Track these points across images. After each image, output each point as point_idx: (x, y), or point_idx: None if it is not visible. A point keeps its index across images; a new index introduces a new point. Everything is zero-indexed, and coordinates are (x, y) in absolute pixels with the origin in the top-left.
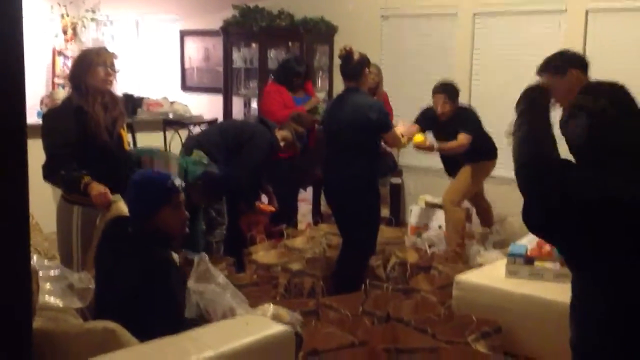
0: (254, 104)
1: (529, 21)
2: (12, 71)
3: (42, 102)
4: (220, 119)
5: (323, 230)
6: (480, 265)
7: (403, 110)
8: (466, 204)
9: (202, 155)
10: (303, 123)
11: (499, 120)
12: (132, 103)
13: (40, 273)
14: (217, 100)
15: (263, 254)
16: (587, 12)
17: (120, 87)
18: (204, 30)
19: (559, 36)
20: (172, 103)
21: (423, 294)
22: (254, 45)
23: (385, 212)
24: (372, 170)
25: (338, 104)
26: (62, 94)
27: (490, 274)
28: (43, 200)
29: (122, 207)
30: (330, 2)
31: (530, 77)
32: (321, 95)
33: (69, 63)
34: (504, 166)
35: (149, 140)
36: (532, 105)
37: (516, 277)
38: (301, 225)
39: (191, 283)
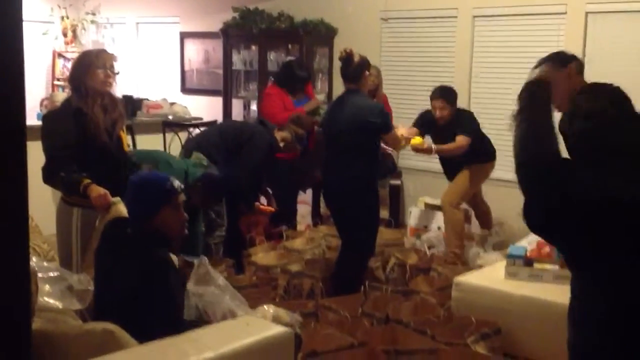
0: (254, 106)
1: (529, 23)
2: (12, 73)
3: (42, 104)
4: (220, 121)
5: (322, 231)
6: (480, 266)
7: (403, 112)
8: (465, 206)
9: (202, 157)
10: (303, 125)
11: (498, 122)
12: (132, 105)
13: (40, 274)
14: (217, 102)
15: (262, 255)
16: (586, 14)
17: (120, 88)
18: (204, 32)
19: (559, 38)
20: (171, 105)
21: (422, 295)
22: (253, 47)
23: (384, 213)
24: (372, 171)
25: (338, 105)
26: (62, 95)
27: (489, 275)
28: (43, 202)
29: (121, 209)
30: (330, 4)
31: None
32: (321, 97)
33: (69, 65)
34: (503, 168)
35: (148, 142)
36: (533, 100)
37: (515, 278)
38: (300, 227)
39: (191, 285)
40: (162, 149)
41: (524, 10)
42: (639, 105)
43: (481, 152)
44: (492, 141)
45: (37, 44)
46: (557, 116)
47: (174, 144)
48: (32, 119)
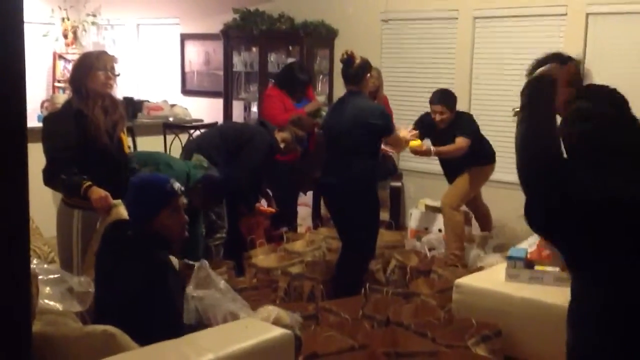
0: (254, 108)
1: (529, 25)
2: (12, 74)
3: (42, 106)
4: (221, 122)
5: (323, 234)
6: (480, 268)
7: (403, 113)
8: (464, 208)
9: (202, 159)
10: (303, 126)
11: (499, 123)
12: (133, 106)
13: (40, 277)
14: (218, 103)
15: (263, 257)
16: (587, 16)
17: (121, 90)
18: (205, 34)
19: (559, 39)
20: (172, 106)
21: (423, 297)
22: (254, 48)
23: (385, 215)
24: (372, 172)
25: (339, 107)
26: (62, 97)
27: (490, 277)
28: (43, 204)
29: (122, 211)
30: (331, 5)
31: None
32: (321, 99)
33: (70, 67)
34: (504, 170)
35: (149, 143)
36: (535, 97)
37: (516, 280)
38: (301, 229)
39: (191, 289)
40: (162, 150)
41: (524, 11)
42: (639, 105)
43: (481, 155)
44: (493, 142)
45: (38, 45)
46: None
47: (175, 146)
48: (33, 120)
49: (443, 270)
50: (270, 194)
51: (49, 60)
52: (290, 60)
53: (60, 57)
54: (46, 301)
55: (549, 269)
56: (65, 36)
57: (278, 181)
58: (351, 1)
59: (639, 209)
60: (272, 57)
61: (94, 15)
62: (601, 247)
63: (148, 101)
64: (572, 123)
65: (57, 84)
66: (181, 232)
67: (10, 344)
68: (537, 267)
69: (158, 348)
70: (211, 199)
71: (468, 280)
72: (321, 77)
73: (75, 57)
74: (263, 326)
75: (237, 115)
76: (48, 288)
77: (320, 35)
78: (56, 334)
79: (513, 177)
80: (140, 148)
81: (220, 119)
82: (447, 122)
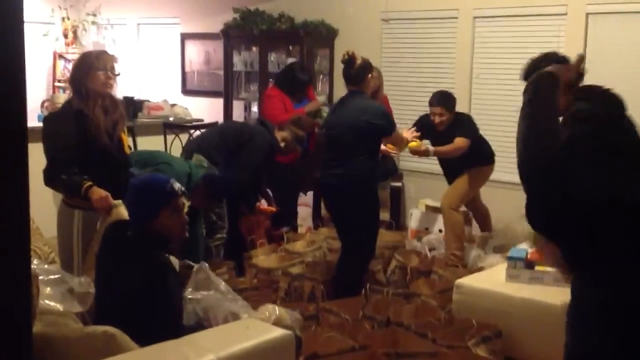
0: (255, 108)
1: (529, 24)
2: (13, 74)
3: (42, 106)
4: (221, 122)
5: (323, 234)
6: (481, 269)
7: (403, 113)
8: (463, 208)
9: (202, 159)
10: (303, 126)
11: (499, 123)
12: (133, 106)
13: (41, 277)
14: (218, 103)
15: (263, 258)
16: (587, 15)
17: (121, 90)
18: (205, 34)
19: (559, 39)
20: (172, 106)
21: (423, 298)
22: (254, 48)
23: (385, 215)
24: (372, 172)
25: (340, 107)
26: (62, 97)
27: (490, 278)
28: (44, 205)
29: (122, 211)
30: (331, 5)
31: None
32: (321, 98)
33: (70, 66)
34: (504, 170)
35: (149, 143)
36: (540, 95)
37: (516, 281)
38: (301, 229)
39: (190, 291)
40: (163, 150)
41: (524, 11)
42: (639, 104)
43: (480, 156)
44: (493, 142)
45: (38, 45)
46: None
47: (175, 146)
48: (33, 120)
49: (443, 270)
50: (270, 194)
51: (49, 60)
52: (290, 60)
53: (61, 56)
54: (47, 302)
55: (549, 269)
56: (66, 36)
57: (278, 181)
58: (351, 1)
59: (639, 209)
60: (272, 57)
61: (94, 15)
62: (601, 247)
63: (148, 101)
64: (572, 124)
65: (57, 84)
66: (181, 232)
67: (11, 345)
68: (537, 268)
69: (158, 348)
70: (212, 198)
71: (468, 281)
72: (321, 76)
73: (76, 56)
74: (264, 326)
75: (238, 115)
76: (48, 288)
77: (321, 35)
78: (57, 334)
79: (513, 177)
80: (140, 148)
81: (220, 119)
82: (446, 124)
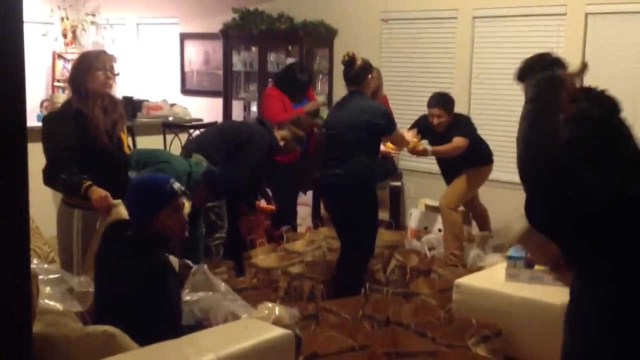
0: (254, 108)
1: (529, 24)
2: (12, 74)
3: (42, 105)
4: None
5: (323, 233)
6: (480, 268)
7: (403, 113)
8: (462, 208)
9: (201, 159)
10: (302, 126)
11: (498, 123)
12: (132, 106)
13: (40, 276)
14: (217, 103)
15: (263, 257)
16: (586, 16)
17: (120, 90)
18: (204, 34)
19: (559, 39)
20: (172, 106)
21: (423, 297)
22: (253, 48)
23: (385, 215)
24: (372, 172)
25: (341, 106)
26: (62, 97)
27: (490, 277)
28: (43, 204)
29: (122, 211)
30: (330, 5)
31: None
32: (321, 98)
33: (69, 66)
34: (503, 169)
35: (148, 143)
36: (544, 95)
37: (516, 280)
38: (301, 229)
39: (187, 292)
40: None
41: (524, 11)
42: (639, 104)
43: (479, 156)
44: (492, 141)
45: (37, 45)
46: None
47: (174, 146)
48: (33, 120)
49: (443, 270)
50: (270, 193)
51: (48, 60)
52: (289, 60)
53: (60, 56)
54: (46, 301)
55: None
56: (65, 36)
57: (278, 181)
58: (351, 1)
59: (639, 209)
60: (271, 57)
61: (93, 15)
62: (601, 247)
63: (147, 101)
64: (572, 124)
65: (56, 84)
66: (181, 232)
67: (11, 345)
68: (537, 267)
69: (158, 348)
70: (212, 195)
71: (468, 280)
72: (321, 76)
73: (75, 56)
74: (263, 326)
75: (237, 114)
76: (48, 288)
77: (320, 35)
78: (56, 334)
79: (513, 176)
80: (139, 147)
81: (219, 119)
82: (444, 125)
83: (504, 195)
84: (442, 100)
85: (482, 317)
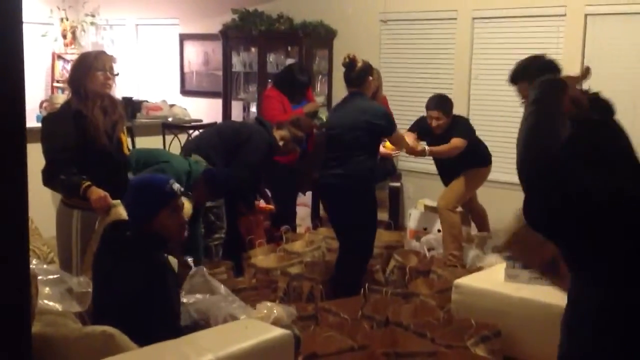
0: (253, 108)
1: (528, 25)
2: (12, 74)
3: (41, 106)
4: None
5: (322, 234)
6: (480, 269)
7: (402, 113)
8: (460, 209)
9: (200, 160)
10: (302, 127)
11: (498, 124)
12: (132, 107)
13: (40, 277)
14: (217, 104)
15: (262, 257)
16: (585, 16)
17: (120, 90)
18: (204, 34)
19: (558, 40)
20: (171, 107)
21: (422, 298)
22: (253, 49)
23: (384, 215)
24: (371, 173)
25: (341, 107)
26: (61, 98)
27: (489, 277)
28: (42, 205)
29: (121, 211)
30: (330, 6)
31: None
32: (320, 99)
33: (69, 67)
34: (502, 170)
35: (148, 143)
36: (547, 96)
37: (515, 281)
38: (300, 229)
39: (184, 294)
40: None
41: (523, 12)
42: (639, 104)
43: (477, 157)
44: (491, 142)
45: (37, 45)
46: None
47: (174, 146)
48: (32, 120)
49: (442, 270)
50: (269, 194)
51: (47, 61)
52: (289, 60)
53: (59, 57)
54: (45, 302)
55: None
56: (64, 36)
57: (277, 181)
58: (350, 1)
59: (639, 209)
60: (271, 58)
61: (93, 16)
62: (601, 247)
63: (147, 101)
64: (571, 125)
65: (56, 84)
66: (180, 232)
67: (10, 345)
68: None
69: (158, 348)
70: (212, 193)
71: (467, 281)
72: (320, 77)
73: (74, 57)
74: (263, 326)
75: (236, 115)
76: (47, 288)
77: (319, 36)
78: (56, 334)
79: (512, 177)
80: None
81: (219, 119)
82: (443, 127)
83: (503, 196)
84: (440, 103)
85: (481, 317)
